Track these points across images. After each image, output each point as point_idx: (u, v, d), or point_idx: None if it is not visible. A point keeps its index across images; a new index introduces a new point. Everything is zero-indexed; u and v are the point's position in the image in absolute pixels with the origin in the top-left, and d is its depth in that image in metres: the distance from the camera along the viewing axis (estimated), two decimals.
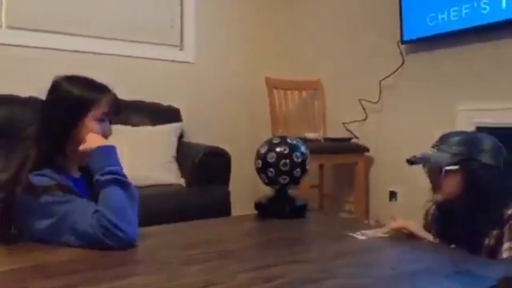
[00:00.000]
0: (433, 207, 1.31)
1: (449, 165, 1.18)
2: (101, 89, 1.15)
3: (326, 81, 2.87)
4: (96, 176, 1.05)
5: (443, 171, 1.18)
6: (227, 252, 1.03)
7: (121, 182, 1.05)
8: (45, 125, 1.11)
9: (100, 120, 1.13)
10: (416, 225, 1.24)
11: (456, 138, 1.22)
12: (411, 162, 1.27)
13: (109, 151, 1.10)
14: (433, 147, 1.27)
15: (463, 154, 1.18)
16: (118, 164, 1.09)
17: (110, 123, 1.18)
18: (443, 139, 1.25)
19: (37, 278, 0.84)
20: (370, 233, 1.19)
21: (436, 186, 1.23)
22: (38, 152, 1.08)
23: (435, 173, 1.22)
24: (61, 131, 1.09)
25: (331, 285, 0.83)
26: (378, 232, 1.20)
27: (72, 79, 1.15)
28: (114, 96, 1.17)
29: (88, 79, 1.17)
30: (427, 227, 1.30)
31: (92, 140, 1.10)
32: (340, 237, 1.17)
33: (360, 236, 1.16)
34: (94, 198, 1.11)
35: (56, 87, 1.13)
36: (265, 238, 1.18)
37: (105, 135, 1.15)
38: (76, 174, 1.17)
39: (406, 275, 0.90)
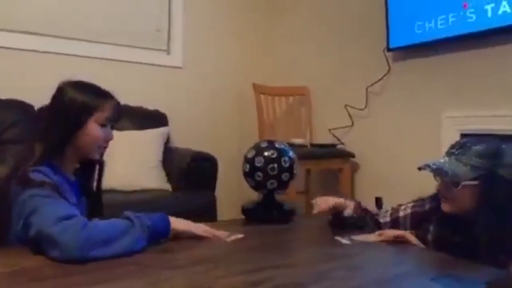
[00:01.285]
0: (434, 207, 1.24)
1: (468, 179, 1.09)
2: (105, 95, 1.18)
3: (313, 88, 2.88)
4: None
5: (460, 185, 1.10)
6: (212, 256, 1.02)
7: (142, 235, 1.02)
8: (48, 128, 1.14)
9: (102, 125, 1.16)
10: (413, 237, 1.20)
11: (477, 148, 1.11)
12: (423, 169, 1.19)
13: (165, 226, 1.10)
14: (449, 155, 1.16)
15: (483, 167, 1.09)
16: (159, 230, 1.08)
17: (112, 128, 1.21)
18: (463, 148, 1.14)
19: (14, 284, 0.81)
20: (356, 238, 1.19)
21: (448, 199, 1.15)
22: (39, 151, 1.10)
23: (450, 186, 1.13)
24: (63, 133, 1.12)
25: None
26: (365, 237, 1.19)
27: (77, 85, 1.18)
28: (117, 102, 1.20)
29: (93, 85, 1.20)
30: (419, 218, 1.28)
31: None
32: (326, 241, 1.16)
33: (346, 241, 1.16)
34: (85, 205, 1.16)
35: (61, 92, 1.16)
36: (252, 242, 1.16)
37: (107, 140, 1.19)
38: (71, 177, 1.18)
39: (393, 278, 0.90)
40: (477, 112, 2.01)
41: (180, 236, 1.10)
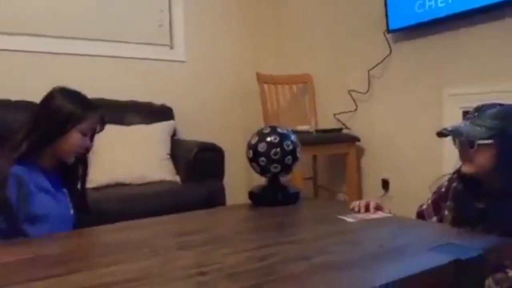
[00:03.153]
0: (455, 181, 1.26)
1: (483, 139, 1.12)
2: (92, 106, 1.25)
3: (316, 74, 2.91)
4: None
5: (475, 145, 1.13)
6: (220, 237, 1.07)
7: None
8: (33, 128, 1.20)
9: (84, 134, 1.23)
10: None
11: (492, 111, 1.14)
12: (442, 134, 1.22)
13: None
14: (466, 119, 1.20)
15: (497, 128, 1.11)
16: None
17: (93, 137, 1.27)
18: (478, 112, 1.17)
19: (36, 268, 0.87)
20: (359, 216, 1.23)
21: (466, 160, 1.18)
22: (20, 148, 1.16)
23: (467, 147, 1.16)
24: (44, 136, 1.18)
25: (322, 261, 0.86)
26: (367, 215, 1.23)
27: (67, 93, 1.24)
28: (101, 114, 1.27)
29: (82, 95, 1.26)
30: (438, 202, 1.30)
31: None
32: (331, 220, 1.20)
33: (349, 219, 1.20)
34: (67, 197, 1.24)
35: (51, 98, 1.22)
36: (258, 223, 1.21)
37: (84, 148, 1.25)
38: (50, 169, 1.24)
39: (393, 251, 0.94)
40: (478, 88, 2.02)
41: None
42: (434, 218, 1.32)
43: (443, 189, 1.31)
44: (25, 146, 1.16)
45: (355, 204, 1.30)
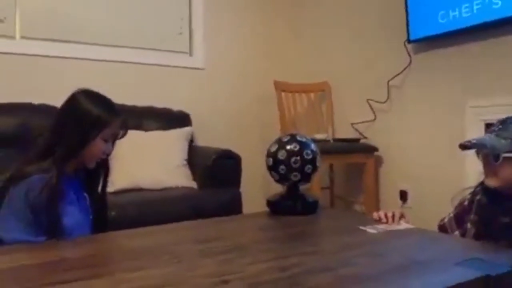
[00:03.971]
0: (479, 194, 1.23)
1: (508, 152, 1.09)
2: (115, 111, 1.21)
3: (334, 83, 2.90)
4: None
5: (501, 158, 1.10)
6: (241, 245, 1.06)
7: None
8: (59, 134, 1.17)
9: (106, 140, 1.20)
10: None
11: None
12: (465, 147, 1.17)
13: None
14: (490, 132, 1.17)
15: None
16: None
17: (114, 142, 1.25)
18: (503, 124, 1.15)
19: (57, 272, 0.87)
20: (380, 227, 1.21)
21: (490, 174, 1.15)
22: (47, 159, 1.14)
23: (491, 160, 1.13)
24: (72, 149, 1.16)
25: (347, 273, 0.85)
26: (388, 227, 1.21)
27: (91, 96, 1.21)
28: (125, 120, 1.24)
29: (105, 98, 1.23)
30: (461, 216, 1.27)
31: None
32: (352, 230, 1.18)
33: (370, 229, 1.18)
34: (88, 202, 1.22)
35: (75, 101, 1.19)
36: (278, 232, 1.20)
37: (106, 154, 1.23)
38: (71, 173, 1.23)
39: (419, 264, 0.92)
40: (501, 100, 1.98)
41: None
42: (457, 232, 1.29)
43: (466, 203, 1.28)
44: (50, 160, 1.14)
45: (380, 214, 1.28)
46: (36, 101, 2.27)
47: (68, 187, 1.17)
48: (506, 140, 1.11)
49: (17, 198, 1.08)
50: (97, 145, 1.19)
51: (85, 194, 1.28)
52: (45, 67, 2.43)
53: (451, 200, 1.35)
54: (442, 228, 1.33)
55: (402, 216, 1.27)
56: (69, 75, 2.44)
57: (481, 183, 1.22)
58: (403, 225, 1.23)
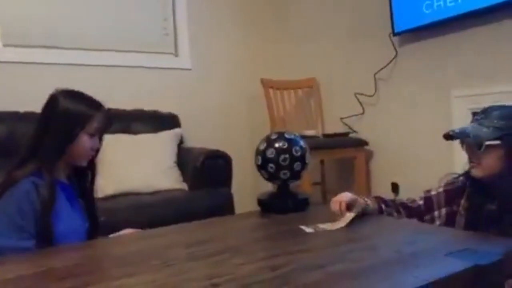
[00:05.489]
0: (464, 181, 1.24)
1: (490, 139, 1.11)
2: (96, 105, 1.21)
3: (321, 78, 2.90)
4: None
5: (483, 146, 1.11)
6: (231, 246, 1.05)
7: None
8: (43, 135, 1.16)
9: (91, 135, 1.19)
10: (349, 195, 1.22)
11: (498, 112, 1.13)
12: (449, 136, 1.19)
13: None
14: (472, 121, 1.19)
15: (505, 128, 1.10)
16: None
17: (101, 138, 1.24)
18: (485, 113, 1.16)
19: (49, 281, 0.86)
20: (322, 226, 1.16)
21: (475, 162, 1.16)
22: (34, 161, 1.13)
23: (475, 148, 1.14)
24: (57, 148, 1.15)
25: (337, 270, 0.84)
26: (330, 225, 1.16)
27: (69, 95, 1.20)
28: (107, 112, 1.23)
29: (84, 94, 1.22)
30: (451, 194, 1.26)
31: None
32: (342, 226, 1.18)
33: (308, 229, 1.13)
34: (82, 206, 1.21)
35: (55, 101, 1.18)
36: (268, 231, 1.19)
37: (94, 149, 1.22)
38: (65, 180, 1.22)
39: (410, 257, 0.92)
40: (486, 89, 2.00)
41: None
42: (444, 210, 1.28)
43: (459, 184, 1.28)
44: (37, 161, 1.12)
45: (335, 206, 1.23)
46: (22, 109, 2.24)
47: (62, 194, 1.16)
48: (488, 129, 1.12)
49: (7, 203, 1.07)
50: (83, 142, 1.17)
51: (80, 200, 1.27)
52: (30, 74, 2.39)
53: (439, 180, 1.35)
54: (428, 200, 1.31)
55: (349, 206, 1.21)
56: (54, 81, 2.34)
57: (467, 172, 1.22)
58: (345, 218, 1.18)
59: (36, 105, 2.20)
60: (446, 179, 1.33)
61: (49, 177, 1.11)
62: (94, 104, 1.21)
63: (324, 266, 0.85)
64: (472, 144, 1.15)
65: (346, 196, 1.24)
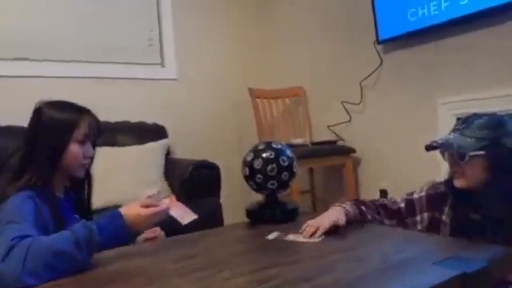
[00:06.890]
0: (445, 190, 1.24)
1: (474, 150, 1.10)
2: (81, 111, 1.18)
3: (308, 87, 2.91)
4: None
5: (467, 156, 1.11)
6: (219, 260, 1.04)
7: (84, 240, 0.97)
8: (31, 150, 1.13)
9: (81, 142, 1.16)
10: (326, 220, 1.17)
11: (480, 121, 1.13)
12: (431, 147, 1.18)
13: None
14: (454, 131, 1.18)
15: (487, 138, 1.10)
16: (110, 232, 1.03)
17: (94, 145, 1.21)
18: (465, 123, 1.15)
19: None
20: (288, 236, 1.16)
21: (457, 173, 1.15)
22: (26, 177, 1.09)
23: (457, 159, 1.14)
24: (49, 157, 1.12)
25: (326, 281, 0.84)
26: (297, 237, 1.16)
27: (52, 104, 1.18)
28: (94, 117, 1.20)
29: (68, 102, 1.20)
30: (433, 200, 1.27)
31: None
32: (331, 236, 1.17)
33: (270, 236, 1.15)
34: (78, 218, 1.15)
35: (39, 113, 1.16)
36: (256, 243, 1.18)
37: (87, 156, 1.18)
38: (61, 194, 1.19)
39: (398, 266, 0.92)
40: (471, 95, 2.03)
41: None
42: (426, 214, 1.28)
43: (441, 189, 1.27)
44: (29, 178, 1.09)
45: (310, 230, 1.17)
46: (3, 123, 2.20)
47: (59, 209, 1.12)
48: (471, 139, 1.12)
49: (8, 213, 1.02)
50: (74, 150, 1.14)
51: (76, 216, 1.23)
52: (10, 87, 2.34)
53: (420, 188, 1.35)
54: (410, 202, 1.31)
55: (317, 230, 1.16)
56: (36, 94, 2.32)
57: (448, 181, 1.22)
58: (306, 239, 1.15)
59: (17, 119, 2.17)
60: (428, 185, 1.33)
61: (53, 199, 1.08)
62: (79, 110, 1.18)
63: (312, 279, 0.85)
64: (455, 154, 1.14)
65: (325, 223, 1.17)
